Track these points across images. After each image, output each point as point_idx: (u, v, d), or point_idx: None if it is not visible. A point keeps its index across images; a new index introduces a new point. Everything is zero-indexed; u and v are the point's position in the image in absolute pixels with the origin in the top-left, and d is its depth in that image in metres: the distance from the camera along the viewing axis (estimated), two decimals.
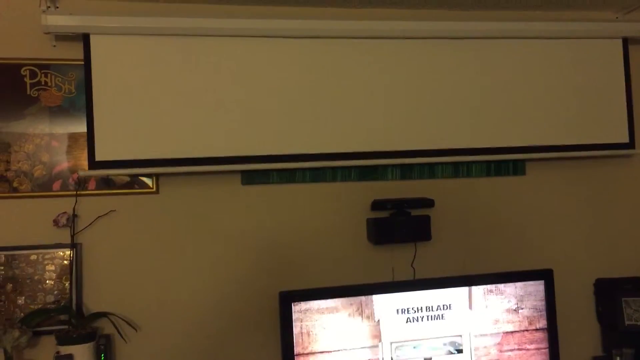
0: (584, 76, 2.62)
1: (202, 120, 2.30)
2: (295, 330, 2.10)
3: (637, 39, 2.71)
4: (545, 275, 2.33)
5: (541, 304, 2.31)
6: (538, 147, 2.56)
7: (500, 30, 2.52)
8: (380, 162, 2.45)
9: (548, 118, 2.57)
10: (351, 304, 2.15)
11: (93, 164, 2.22)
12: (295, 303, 2.10)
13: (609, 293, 2.64)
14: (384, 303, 2.18)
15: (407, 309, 2.20)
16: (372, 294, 2.17)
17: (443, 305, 2.23)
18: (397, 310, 2.19)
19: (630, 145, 2.65)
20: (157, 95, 2.26)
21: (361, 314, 2.16)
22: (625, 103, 2.65)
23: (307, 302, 2.11)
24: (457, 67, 2.51)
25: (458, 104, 2.50)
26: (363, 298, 2.16)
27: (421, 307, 2.21)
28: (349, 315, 2.15)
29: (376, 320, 2.17)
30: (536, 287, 2.31)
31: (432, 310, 2.22)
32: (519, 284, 2.30)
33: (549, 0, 2.57)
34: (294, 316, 2.10)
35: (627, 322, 2.55)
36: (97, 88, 2.22)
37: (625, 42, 2.66)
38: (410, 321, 2.19)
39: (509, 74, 2.55)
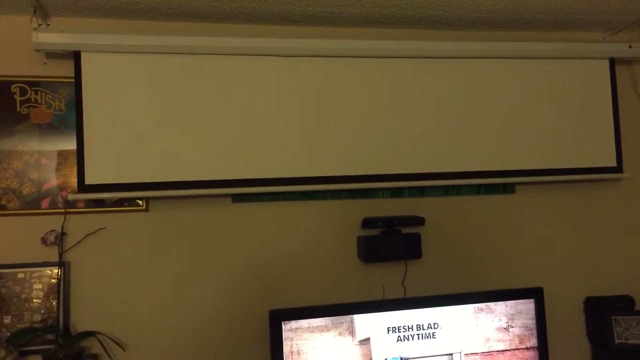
0: (572, 96, 2.64)
1: (193, 141, 2.29)
2: (286, 349, 2.08)
3: (623, 59, 2.75)
4: (535, 294, 2.33)
5: (532, 322, 2.31)
6: (527, 171, 2.57)
7: (490, 50, 2.55)
8: (371, 185, 2.45)
9: (537, 141, 2.59)
10: (342, 323, 2.14)
11: (82, 187, 2.20)
12: (285, 322, 2.09)
13: (598, 311, 2.64)
14: (374, 322, 2.17)
15: (398, 327, 2.19)
16: (362, 312, 2.16)
17: (434, 324, 2.22)
18: (388, 329, 2.18)
19: (618, 169, 2.67)
20: (148, 114, 2.26)
21: (352, 332, 2.14)
22: (613, 127, 2.67)
23: (297, 320, 2.10)
24: (446, 88, 2.52)
25: (447, 127, 2.51)
26: (354, 317, 2.15)
27: (412, 326, 2.20)
28: (340, 334, 2.13)
29: (367, 339, 2.16)
30: (526, 306, 2.31)
31: (422, 329, 2.21)
32: (509, 303, 2.30)
33: (537, 21, 2.61)
34: (284, 335, 2.08)
35: (617, 341, 2.55)
36: (87, 106, 2.22)
37: (612, 62, 2.70)
38: (400, 340, 2.18)
39: (498, 95, 2.57)
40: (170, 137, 2.27)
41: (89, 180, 2.20)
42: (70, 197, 2.23)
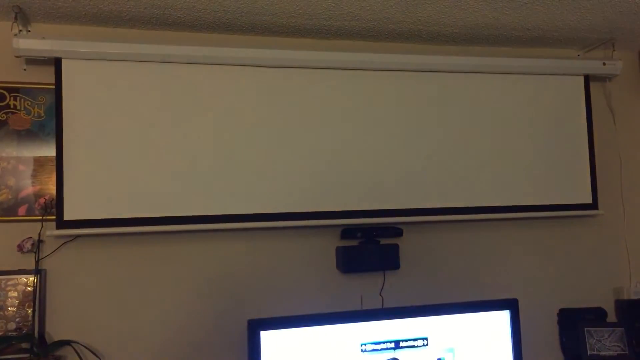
0: (549, 117, 2.70)
1: (173, 171, 2.29)
2: (264, 358, 2.08)
3: (597, 76, 2.82)
4: (510, 305, 2.36)
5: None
6: (504, 207, 2.61)
7: (467, 65, 2.60)
8: (347, 222, 2.46)
9: (511, 175, 2.64)
10: (319, 333, 2.14)
11: (61, 223, 2.18)
12: (263, 331, 2.09)
13: (572, 323, 2.69)
14: (352, 332, 2.18)
15: (376, 338, 2.20)
16: (340, 322, 2.17)
17: (411, 335, 2.23)
18: (366, 339, 2.18)
19: (594, 205, 2.73)
20: (128, 124, 2.26)
21: (329, 342, 2.15)
22: (589, 161, 2.73)
23: (275, 330, 2.10)
24: (418, 105, 2.56)
25: (422, 164, 2.54)
26: (331, 327, 2.16)
27: (389, 337, 2.21)
28: (317, 343, 2.14)
29: (344, 349, 2.16)
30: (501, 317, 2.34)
31: (399, 339, 2.22)
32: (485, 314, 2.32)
33: (514, 37, 2.66)
34: (263, 344, 2.08)
35: (589, 352, 2.59)
36: (67, 113, 2.21)
37: (587, 79, 2.76)
38: (377, 351, 2.19)
39: (473, 115, 2.61)
40: (149, 161, 2.27)
41: (67, 216, 2.19)
42: (49, 233, 2.20)
